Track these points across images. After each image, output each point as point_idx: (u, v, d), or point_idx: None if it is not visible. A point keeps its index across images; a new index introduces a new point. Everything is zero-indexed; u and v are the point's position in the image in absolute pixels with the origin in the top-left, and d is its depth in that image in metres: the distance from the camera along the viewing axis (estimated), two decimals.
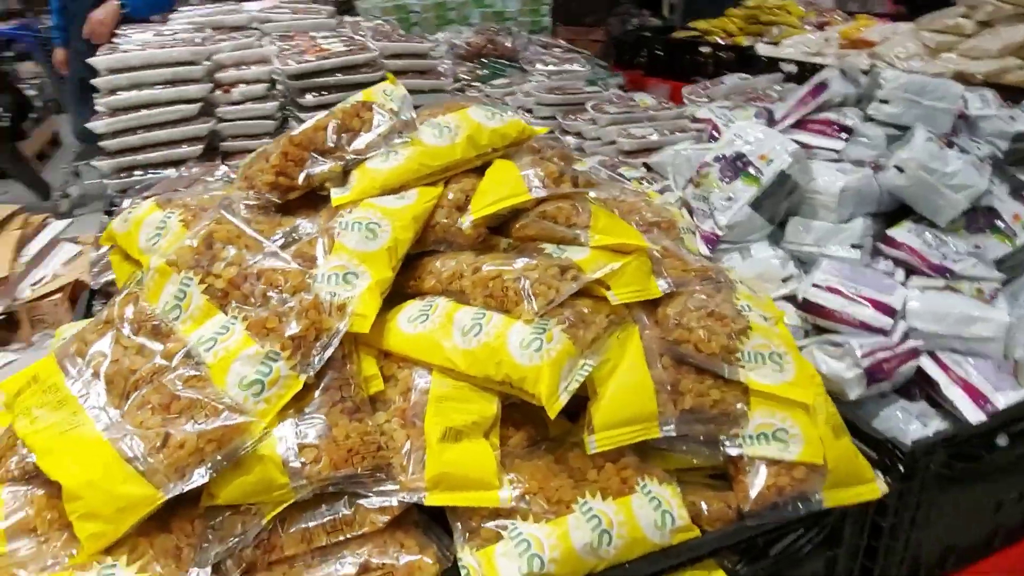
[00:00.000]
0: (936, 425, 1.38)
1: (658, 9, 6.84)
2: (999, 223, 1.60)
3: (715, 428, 1.20)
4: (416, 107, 1.47)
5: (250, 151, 1.58)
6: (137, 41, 2.71)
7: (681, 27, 5.04)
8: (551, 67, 3.31)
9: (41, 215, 4.25)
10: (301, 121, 2.00)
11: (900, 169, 1.52)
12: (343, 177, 1.40)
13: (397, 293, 1.32)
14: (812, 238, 1.59)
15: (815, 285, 1.44)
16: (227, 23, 3.03)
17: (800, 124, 1.75)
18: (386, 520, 1.08)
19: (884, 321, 1.37)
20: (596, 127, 2.51)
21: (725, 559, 1.20)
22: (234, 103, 2.57)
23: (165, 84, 2.46)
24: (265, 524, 1.04)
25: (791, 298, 1.54)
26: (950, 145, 1.56)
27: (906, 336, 1.38)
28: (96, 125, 2.44)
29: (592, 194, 1.57)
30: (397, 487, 1.09)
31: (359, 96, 1.46)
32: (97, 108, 2.49)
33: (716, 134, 1.87)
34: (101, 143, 2.48)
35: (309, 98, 2.53)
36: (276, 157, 1.37)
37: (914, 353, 1.37)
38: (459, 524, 1.10)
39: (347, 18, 3.53)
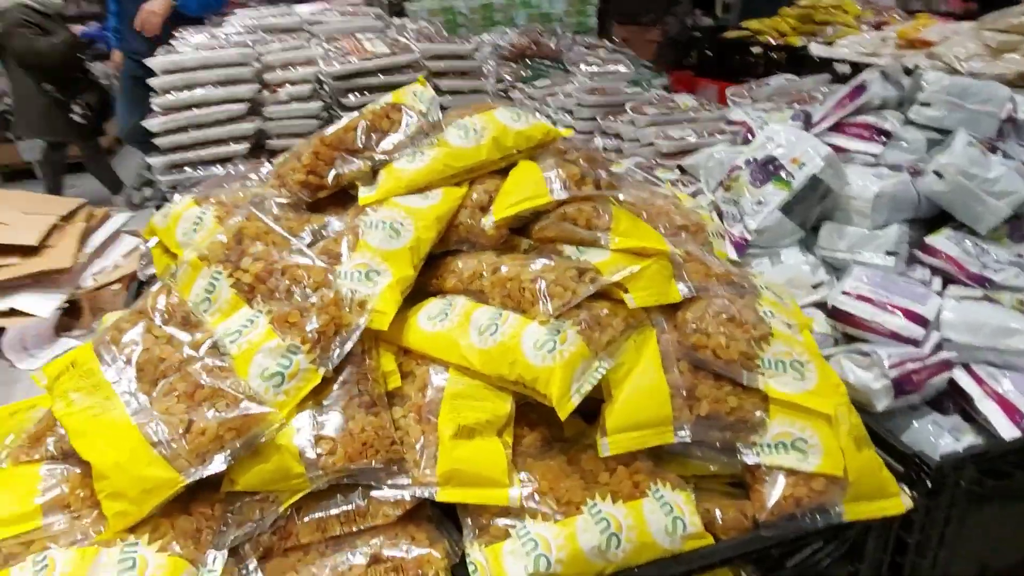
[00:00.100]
0: (969, 440, 1.33)
1: (712, 9, 6.74)
2: None
3: (732, 435, 1.19)
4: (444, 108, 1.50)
5: None
6: (192, 43, 2.81)
7: (733, 27, 4.96)
8: (594, 68, 3.29)
9: (103, 208, 4.46)
10: None
11: (939, 174, 1.48)
12: (372, 176, 1.44)
13: (420, 291, 1.34)
14: (845, 244, 1.55)
15: (844, 293, 1.41)
16: (279, 25, 3.12)
17: (837, 127, 1.71)
18: (399, 513, 1.10)
19: (915, 331, 1.33)
20: (635, 128, 2.50)
21: (740, 569, 1.19)
22: (280, 103, 2.64)
23: (216, 84, 2.54)
24: (282, 512, 1.07)
25: (822, 305, 1.50)
26: (993, 150, 1.50)
27: (939, 347, 1.34)
28: (151, 123, 2.54)
29: (621, 196, 1.58)
30: (410, 481, 1.11)
31: (389, 98, 1.49)
32: (152, 107, 2.59)
33: (750, 136, 1.84)
34: (155, 140, 2.58)
35: (352, 98, 2.58)
36: (307, 157, 1.42)
37: (946, 365, 1.32)
38: (469, 520, 1.12)
39: (396, 20, 3.59)
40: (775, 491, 1.15)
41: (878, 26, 4.25)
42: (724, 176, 1.69)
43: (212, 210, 1.40)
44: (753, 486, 1.18)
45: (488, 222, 1.33)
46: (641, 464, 1.17)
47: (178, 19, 3.54)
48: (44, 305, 3.54)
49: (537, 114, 1.50)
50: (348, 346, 1.15)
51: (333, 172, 1.41)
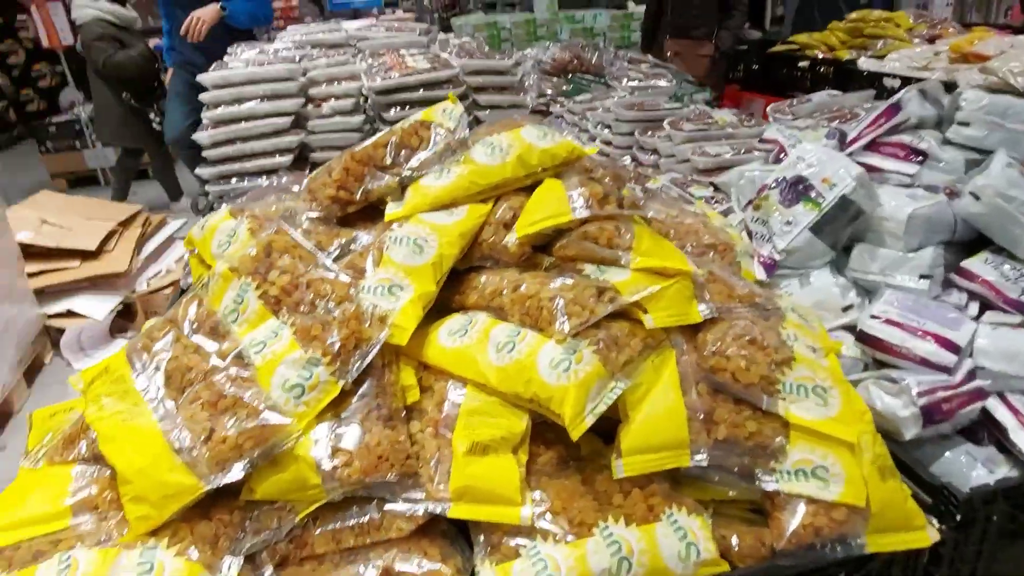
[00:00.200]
0: (1004, 472, 1.28)
1: (761, 22, 6.66)
2: None
3: (750, 461, 1.17)
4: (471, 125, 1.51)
5: None
6: (243, 58, 2.91)
7: (781, 40, 4.88)
8: (635, 83, 3.29)
9: (160, 215, 4.64)
10: None
11: (976, 196, 1.43)
12: (401, 192, 1.46)
13: (443, 306, 1.36)
14: (877, 266, 1.51)
15: (873, 317, 1.37)
16: (326, 41, 3.21)
17: (872, 146, 1.67)
18: (412, 527, 1.12)
19: (947, 358, 1.29)
20: (671, 144, 2.49)
21: None
22: (324, 116, 2.71)
23: (262, 99, 2.63)
24: (298, 521, 1.10)
25: (852, 328, 1.47)
26: None
27: (972, 375, 1.29)
28: (200, 136, 2.63)
29: (651, 213, 1.57)
30: (423, 496, 1.12)
31: (419, 115, 1.52)
32: (203, 120, 2.69)
33: (783, 155, 1.81)
34: (204, 152, 2.67)
35: (393, 112, 2.64)
36: (338, 172, 1.45)
37: (979, 394, 1.28)
38: (481, 537, 1.12)
39: (441, 35, 3.65)
40: (794, 519, 1.13)
41: (931, 39, 4.12)
42: (754, 195, 1.67)
43: (246, 223, 1.45)
44: (772, 513, 1.16)
45: (511, 239, 1.34)
46: (657, 487, 1.16)
47: (234, 35, 3.67)
48: (100, 307, 3.70)
49: (565, 132, 1.51)
50: (368, 360, 1.18)
51: (362, 188, 1.44)
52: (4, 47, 8.47)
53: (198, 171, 2.72)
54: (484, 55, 2.87)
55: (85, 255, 3.70)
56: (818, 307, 1.48)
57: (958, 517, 1.18)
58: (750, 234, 1.65)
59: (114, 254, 3.85)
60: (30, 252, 3.46)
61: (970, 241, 1.54)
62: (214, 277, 1.30)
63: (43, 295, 3.45)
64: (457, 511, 1.10)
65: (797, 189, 1.54)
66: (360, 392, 1.18)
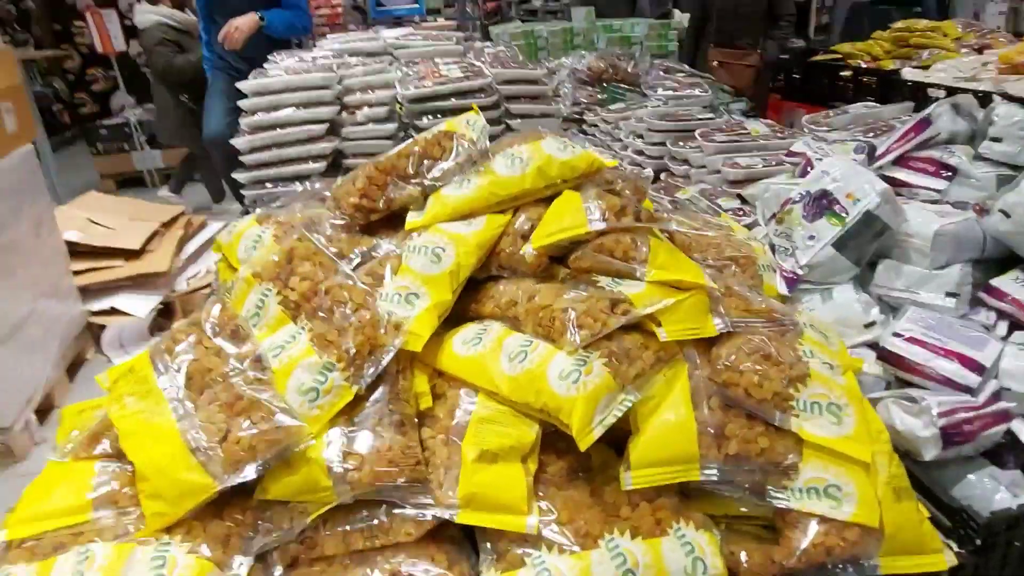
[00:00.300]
0: None
1: (805, 30, 6.56)
2: None
3: (762, 477, 1.16)
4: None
5: None
6: (282, 66, 2.98)
7: (823, 50, 4.80)
8: (670, 92, 3.27)
9: (201, 217, 4.76)
10: None
11: (1006, 214, 1.39)
12: (423, 201, 1.48)
13: (460, 315, 1.38)
14: (903, 283, 1.48)
15: (896, 334, 1.34)
16: (364, 49, 3.27)
17: (901, 161, 1.64)
18: (420, 532, 1.13)
19: (970, 378, 1.26)
20: (702, 155, 2.47)
21: None
22: (358, 124, 2.75)
23: (298, 106, 2.68)
24: (309, 523, 1.12)
25: (875, 345, 1.44)
26: None
27: (996, 397, 1.26)
28: (238, 142, 2.70)
29: (674, 225, 1.57)
30: (432, 501, 1.14)
31: (443, 126, 1.54)
32: (241, 126, 2.76)
33: (809, 169, 1.79)
34: (241, 157, 2.74)
35: (426, 121, 2.67)
36: (361, 181, 1.48)
37: (1004, 416, 1.24)
38: (488, 544, 1.14)
39: (477, 43, 3.68)
40: (805, 538, 1.11)
41: (980, 49, 4.01)
42: (778, 208, 1.65)
43: (271, 230, 1.49)
44: (783, 531, 1.15)
45: (528, 250, 1.35)
46: (666, 501, 1.16)
47: (275, 43, 3.76)
48: (141, 306, 3.80)
49: (587, 144, 1.52)
50: (382, 366, 1.20)
51: (384, 197, 1.47)
52: (61, 52, 8.80)
53: (235, 175, 2.79)
54: (517, 64, 2.88)
55: (129, 254, 3.81)
56: (840, 323, 1.46)
57: (978, 541, 1.15)
58: (773, 248, 1.63)
59: (156, 254, 3.96)
60: (76, 251, 3.58)
61: (1001, 259, 1.50)
62: (237, 281, 1.34)
63: (87, 293, 3.57)
64: (464, 517, 1.12)
65: (821, 203, 1.52)
66: (374, 397, 1.20)
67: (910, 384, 1.35)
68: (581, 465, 1.24)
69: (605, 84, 3.63)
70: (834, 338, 1.33)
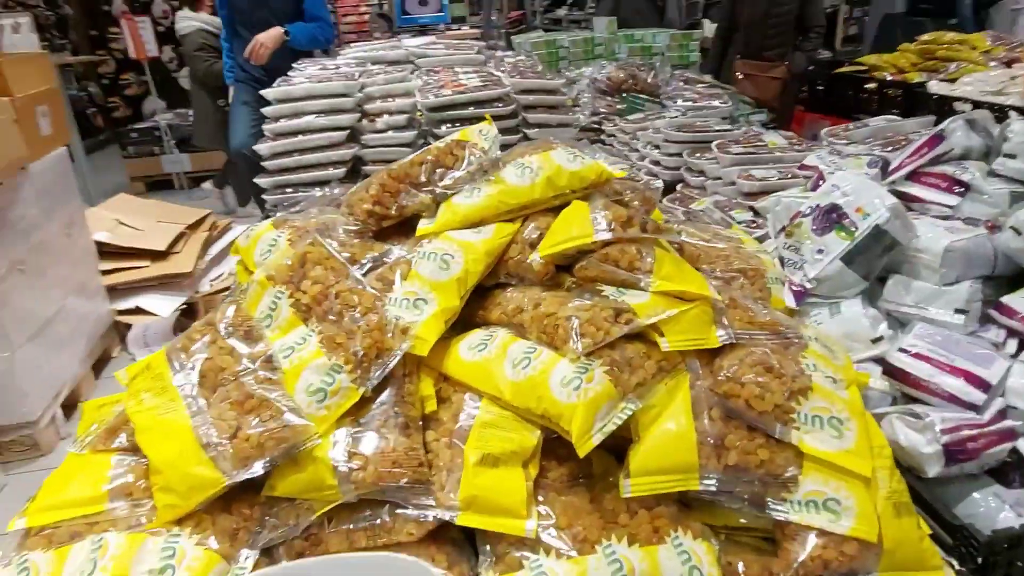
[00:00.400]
0: None
1: (832, 42, 6.51)
2: None
3: (761, 488, 1.16)
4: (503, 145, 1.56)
5: None
6: (305, 74, 3.04)
7: (849, 61, 4.77)
8: (689, 103, 3.28)
9: (226, 219, 4.85)
10: None
11: (1017, 231, 1.38)
12: (435, 209, 1.52)
13: (468, 321, 1.40)
14: (912, 299, 1.48)
15: (902, 350, 1.34)
16: (386, 58, 3.33)
17: (914, 176, 1.63)
18: (422, 532, 1.16)
19: (976, 396, 1.25)
20: (718, 167, 2.47)
21: None
22: (378, 131, 2.80)
23: (319, 113, 2.74)
24: (314, 520, 1.15)
25: (882, 360, 1.44)
26: None
27: (1002, 415, 1.25)
28: (261, 148, 2.76)
29: (683, 236, 1.58)
30: (434, 503, 1.16)
31: (456, 135, 1.57)
32: (264, 132, 2.82)
33: (820, 182, 1.79)
34: (264, 163, 2.80)
35: (444, 129, 2.71)
36: (374, 188, 1.52)
37: (1009, 435, 1.23)
38: (487, 547, 1.15)
39: (498, 52, 3.72)
40: (803, 551, 1.12)
41: (1009, 63, 3.97)
42: (788, 221, 1.65)
43: (286, 234, 1.52)
44: (781, 543, 1.15)
45: (536, 258, 1.37)
46: (664, 509, 1.17)
47: (296, 54, 3.83)
48: (166, 306, 3.89)
49: (599, 154, 1.54)
50: (388, 369, 1.23)
51: (397, 204, 1.50)
52: (97, 57, 9.03)
53: (257, 180, 2.85)
54: (536, 74, 2.91)
55: (155, 255, 3.90)
56: (847, 338, 1.46)
57: (979, 559, 1.15)
58: (782, 261, 1.64)
59: (181, 256, 4.04)
60: (105, 251, 3.67)
61: (1012, 276, 1.49)
62: (252, 283, 1.38)
63: (114, 292, 3.65)
64: (464, 519, 1.14)
65: (830, 217, 1.52)
66: (380, 399, 1.23)
67: (916, 400, 1.35)
68: (582, 471, 1.26)
69: (624, 94, 3.64)
70: (840, 352, 1.34)
